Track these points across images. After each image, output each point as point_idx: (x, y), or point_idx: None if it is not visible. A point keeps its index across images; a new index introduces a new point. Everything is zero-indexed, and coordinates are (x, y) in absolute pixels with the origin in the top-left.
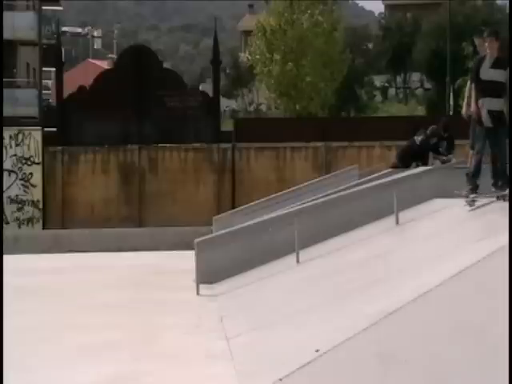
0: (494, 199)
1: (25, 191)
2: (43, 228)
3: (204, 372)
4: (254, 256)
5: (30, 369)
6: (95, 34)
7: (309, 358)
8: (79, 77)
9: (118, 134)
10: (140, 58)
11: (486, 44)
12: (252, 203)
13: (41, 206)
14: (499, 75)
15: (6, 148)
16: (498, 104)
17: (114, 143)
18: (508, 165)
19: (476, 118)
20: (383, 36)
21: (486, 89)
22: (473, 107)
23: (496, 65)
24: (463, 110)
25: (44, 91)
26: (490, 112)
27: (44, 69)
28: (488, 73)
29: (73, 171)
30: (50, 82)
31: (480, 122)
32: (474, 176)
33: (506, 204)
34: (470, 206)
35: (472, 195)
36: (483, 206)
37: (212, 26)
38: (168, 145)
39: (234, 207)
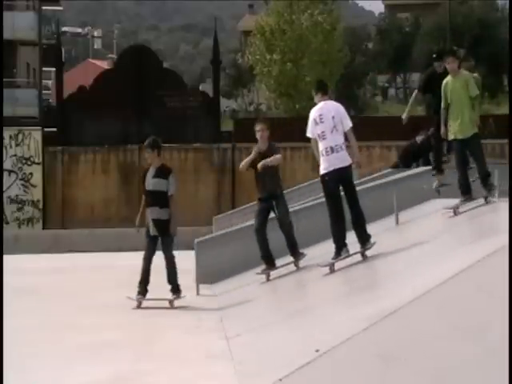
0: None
1: (25, 191)
2: (43, 228)
3: (204, 372)
4: (254, 256)
5: (30, 369)
6: (95, 34)
7: (309, 358)
8: (79, 77)
9: (118, 134)
10: (140, 58)
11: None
12: (252, 203)
13: (41, 206)
14: (160, 185)
15: (6, 148)
16: (161, 213)
17: (114, 143)
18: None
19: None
20: (380, 38)
21: (151, 198)
22: None
23: (157, 174)
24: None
25: (44, 91)
26: (153, 221)
27: (44, 69)
28: (150, 183)
29: (73, 171)
30: (50, 82)
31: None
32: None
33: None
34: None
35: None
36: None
37: (212, 26)
38: (168, 145)
39: (234, 207)
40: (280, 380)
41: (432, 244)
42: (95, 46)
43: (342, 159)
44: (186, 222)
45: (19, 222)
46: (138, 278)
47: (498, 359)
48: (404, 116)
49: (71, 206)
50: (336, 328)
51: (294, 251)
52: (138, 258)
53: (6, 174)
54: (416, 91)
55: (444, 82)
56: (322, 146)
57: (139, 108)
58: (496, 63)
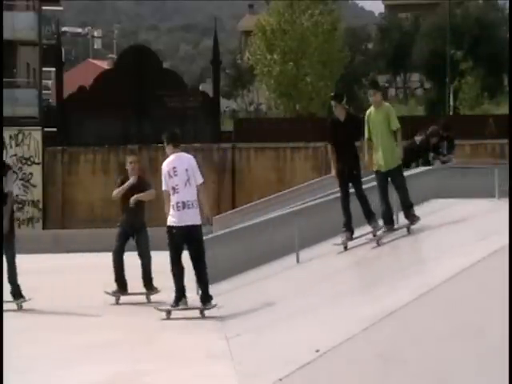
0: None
1: (25, 191)
2: (43, 228)
3: (204, 372)
4: (254, 256)
5: (30, 369)
6: (95, 34)
7: (309, 358)
8: (79, 77)
9: (118, 134)
10: (140, 58)
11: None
12: (252, 203)
13: (41, 206)
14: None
15: (6, 148)
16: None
17: (113, 143)
18: None
19: None
20: (380, 38)
21: None
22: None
23: None
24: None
25: (44, 91)
26: None
27: (44, 69)
28: None
29: (73, 171)
30: (50, 82)
31: None
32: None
33: None
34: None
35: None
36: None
37: (212, 26)
38: None
39: (234, 207)
40: (280, 380)
41: (432, 244)
42: (95, 46)
43: (193, 216)
44: None
45: (19, 222)
46: (138, 278)
47: (497, 359)
48: None
49: (71, 206)
50: (336, 327)
51: (150, 286)
52: (138, 258)
53: None
54: (329, 146)
55: (367, 112)
56: (174, 199)
57: (139, 108)
58: (496, 63)
